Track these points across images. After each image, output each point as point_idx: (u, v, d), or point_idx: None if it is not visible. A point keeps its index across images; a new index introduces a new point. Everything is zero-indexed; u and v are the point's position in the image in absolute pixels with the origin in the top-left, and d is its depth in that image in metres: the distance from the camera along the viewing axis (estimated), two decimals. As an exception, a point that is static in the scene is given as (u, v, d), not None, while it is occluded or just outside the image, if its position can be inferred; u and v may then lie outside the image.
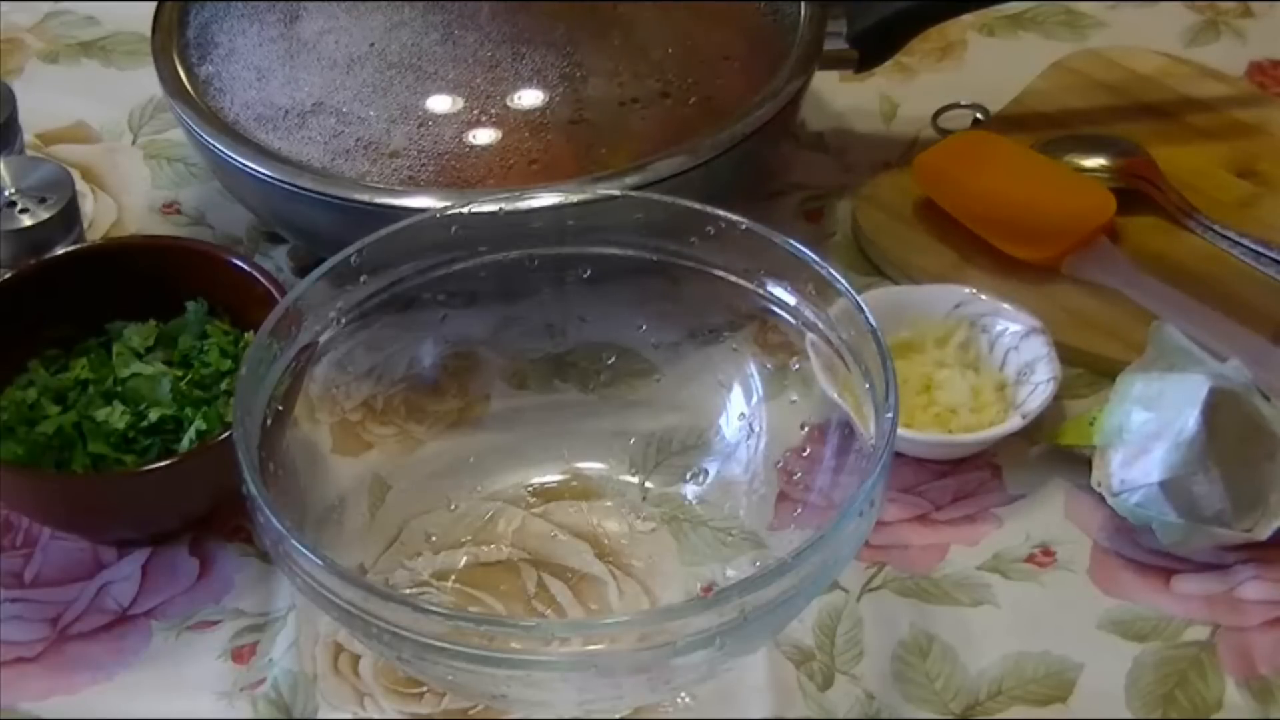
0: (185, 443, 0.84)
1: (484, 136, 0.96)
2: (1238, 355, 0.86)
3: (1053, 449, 0.89)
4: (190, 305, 0.90)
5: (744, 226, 0.82)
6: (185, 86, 0.98)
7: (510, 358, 0.90)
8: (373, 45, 1.01)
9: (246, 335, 0.89)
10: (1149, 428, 0.82)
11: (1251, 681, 0.80)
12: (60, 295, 0.89)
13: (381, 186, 0.92)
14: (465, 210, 0.84)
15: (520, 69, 0.99)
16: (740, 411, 0.87)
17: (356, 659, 0.81)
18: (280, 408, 0.79)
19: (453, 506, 0.86)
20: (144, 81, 1.04)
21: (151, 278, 0.90)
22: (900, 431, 0.79)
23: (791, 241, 0.81)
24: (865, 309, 0.78)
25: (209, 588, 0.84)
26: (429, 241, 0.83)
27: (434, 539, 0.85)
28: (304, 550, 0.71)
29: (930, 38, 1.10)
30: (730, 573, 0.84)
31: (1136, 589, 0.83)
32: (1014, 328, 0.91)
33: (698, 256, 0.84)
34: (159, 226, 1.03)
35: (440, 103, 0.98)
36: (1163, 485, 0.81)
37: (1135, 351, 0.88)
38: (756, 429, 0.86)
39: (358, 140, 0.96)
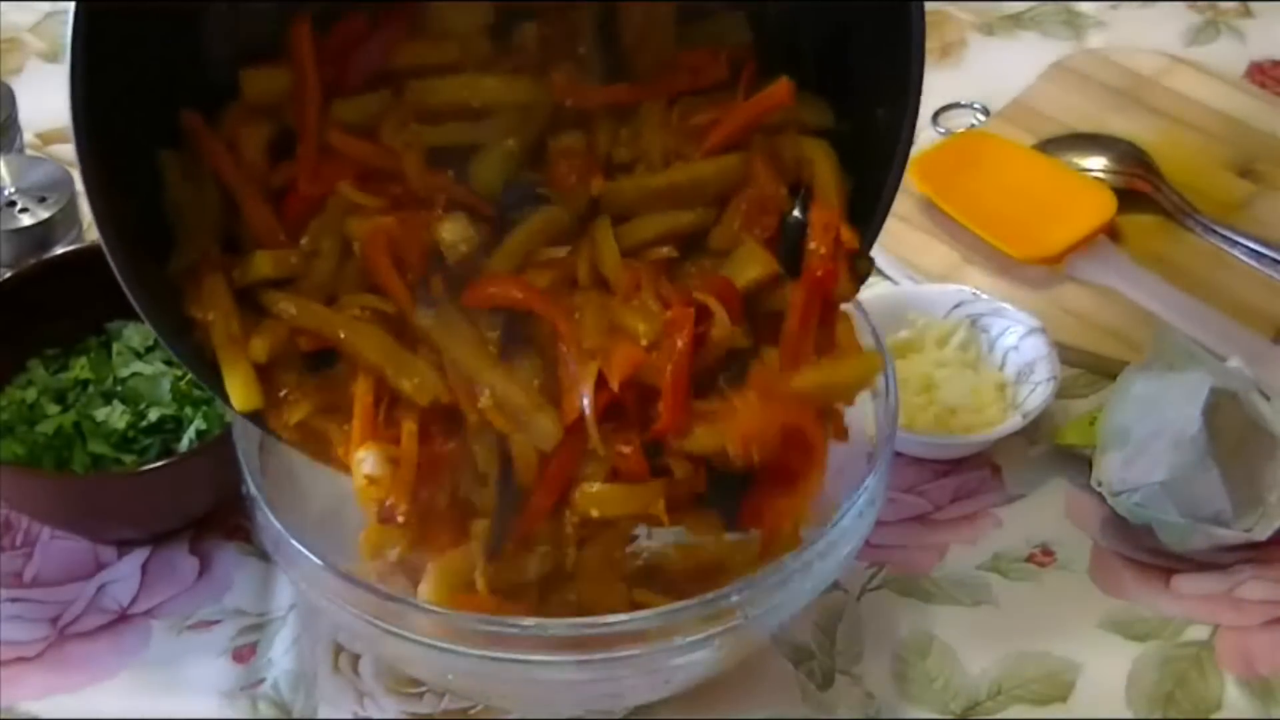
0: (185, 443, 0.84)
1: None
2: (1238, 355, 0.86)
3: (1053, 449, 0.89)
4: (190, 305, 0.90)
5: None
6: None
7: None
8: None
9: (247, 335, 0.89)
10: (1149, 428, 0.82)
11: (1251, 681, 0.80)
12: (60, 295, 0.89)
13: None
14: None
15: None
16: (741, 410, 0.86)
17: (356, 659, 0.81)
18: (280, 407, 0.79)
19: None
20: (144, 81, 1.04)
21: (151, 277, 0.90)
22: (900, 431, 0.79)
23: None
24: (865, 309, 0.78)
25: (209, 587, 0.84)
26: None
27: (434, 539, 0.85)
28: (304, 550, 0.71)
29: (930, 37, 1.09)
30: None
31: (1136, 589, 0.83)
32: (1014, 328, 0.91)
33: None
34: (159, 226, 1.03)
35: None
36: (1163, 485, 0.81)
37: (1135, 351, 0.88)
38: (757, 428, 0.86)
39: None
